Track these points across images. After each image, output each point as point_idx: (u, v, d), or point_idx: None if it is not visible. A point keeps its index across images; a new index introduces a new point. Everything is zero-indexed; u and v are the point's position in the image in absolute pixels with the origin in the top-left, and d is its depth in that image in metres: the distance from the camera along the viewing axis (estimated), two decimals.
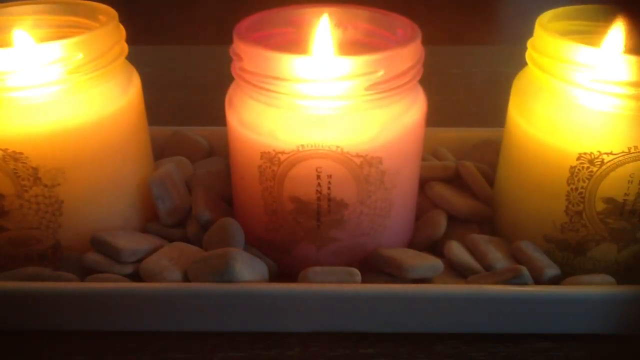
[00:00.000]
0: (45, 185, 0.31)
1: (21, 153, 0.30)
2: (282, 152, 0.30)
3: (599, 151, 0.30)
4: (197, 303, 0.30)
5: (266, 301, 0.30)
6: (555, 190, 0.32)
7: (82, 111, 0.31)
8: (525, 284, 0.30)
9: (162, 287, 0.30)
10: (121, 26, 0.34)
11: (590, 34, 0.33)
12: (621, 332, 0.31)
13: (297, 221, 0.32)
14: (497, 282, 0.31)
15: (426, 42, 0.31)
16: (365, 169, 0.30)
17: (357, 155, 0.30)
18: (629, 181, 0.30)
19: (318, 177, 0.30)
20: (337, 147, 0.29)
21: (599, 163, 0.30)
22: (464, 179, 0.38)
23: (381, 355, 0.31)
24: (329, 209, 0.31)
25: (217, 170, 0.39)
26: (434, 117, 0.34)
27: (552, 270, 0.31)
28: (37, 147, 0.31)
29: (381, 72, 0.28)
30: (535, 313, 0.31)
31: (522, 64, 0.34)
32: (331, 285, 0.30)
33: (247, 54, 0.29)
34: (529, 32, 0.33)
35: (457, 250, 0.33)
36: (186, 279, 0.31)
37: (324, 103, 0.29)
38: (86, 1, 0.35)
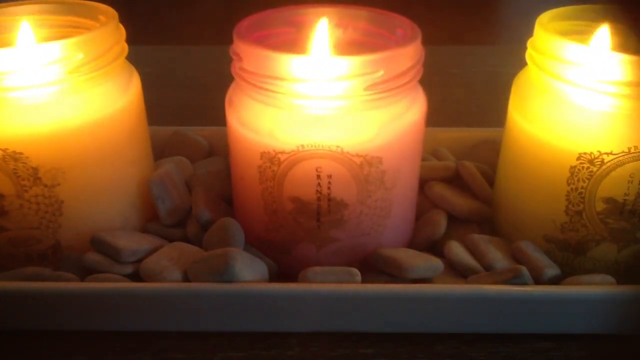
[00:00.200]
0: (45, 185, 0.31)
1: (21, 153, 0.30)
2: (282, 152, 0.30)
3: (599, 151, 0.30)
4: (197, 303, 0.30)
5: (266, 301, 0.30)
6: (555, 190, 0.32)
7: (82, 111, 0.31)
8: (525, 284, 0.30)
9: (162, 287, 0.30)
10: (121, 26, 0.34)
11: (590, 34, 0.33)
12: (621, 332, 0.31)
13: (297, 221, 0.32)
14: (497, 282, 0.30)
15: (426, 42, 0.31)
16: (365, 168, 0.30)
17: (357, 155, 0.30)
18: (629, 181, 0.30)
19: (318, 177, 0.30)
20: (337, 147, 0.29)
21: (599, 163, 0.30)
22: (464, 179, 0.38)
23: (381, 355, 0.31)
24: (329, 209, 0.31)
25: (217, 170, 0.39)
26: (434, 117, 0.34)
27: (552, 270, 0.31)
28: (37, 147, 0.31)
29: (381, 72, 0.28)
30: (535, 313, 0.31)
31: (522, 64, 0.34)
32: (331, 285, 0.30)
33: (247, 54, 0.29)
34: (529, 32, 0.33)
35: (457, 250, 0.33)
36: (186, 279, 0.31)
37: (324, 103, 0.29)
38: (86, 1, 0.35)
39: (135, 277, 0.31)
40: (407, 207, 0.34)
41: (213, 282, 0.30)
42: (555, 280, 0.32)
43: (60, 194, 0.32)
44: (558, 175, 0.31)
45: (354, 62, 0.28)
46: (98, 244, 0.32)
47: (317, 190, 0.31)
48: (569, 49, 0.30)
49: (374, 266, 0.32)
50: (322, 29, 0.32)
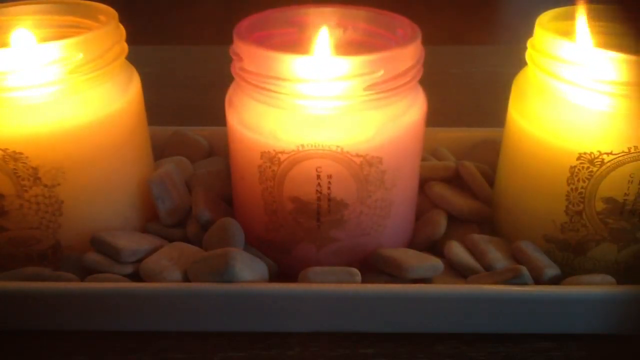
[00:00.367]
0: (45, 185, 0.31)
1: (21, 153, 0.30)
2: (282, 152, 0.30)
3: (599, 151, 0.30)
4: (197, 303, 0.30)
5: (266, 301, 0.30)
6: (555, 190, 0.32)
7: (82, 111, 0.31)
8: (525, 284, 0.30)
9: (162, 287, 0.30)
10: (121, 26, 0.34)
11: (590, 35, 0.33)
12: (621, 332, 0.31)
13: (297, 221, 0.32)
14: (497, 282, 0.30)
15: (426, 42, 0.31)
16: (365, 168, 0.30)
17: (357, 155, 0.30)
18: (629, 181, 0.30)
19: (318, 177, 0.30)
20: (337, 147, 0.29)
21: (599, 163, 0.30)
22: (464, 179, 0.38)
23: (381, 355, 0.31)
24: (329, 209, 0.31)
25: (217, 170, 0.39)
26: (434, 117, 0.34)
27: (552, 270, 0.31)
28: (37, 147, 0.31)
29: (381, 72, 0.28)
30: (535, 313, 0.31)
31: (522, 64, 0.34)
32: (331, 285, 0.30)
33: (247, 54, 0.29)
34: (529, 32, 0.33)
35: (457, 250, 0.33)
36: (186, 279, 0.31)
37: (324, 103, 0.29)
38: (86, 1, 0.35)
39: (135, 277, 0.31)
40: (407, 207, 0.34)
41: (213, 282, 0.30)
42: (555, 280, 0.32)
43: (60, 194, 0.32)
44: (558, 175, 0.31)
45: (354, 62, 0.28)
46: (98, 244, 0.32)
47: (317, 190, 0.31)
48: (569, 49, 0.30)
49: (374, 266, 0.32)
50: (322, 29, 0.32)
